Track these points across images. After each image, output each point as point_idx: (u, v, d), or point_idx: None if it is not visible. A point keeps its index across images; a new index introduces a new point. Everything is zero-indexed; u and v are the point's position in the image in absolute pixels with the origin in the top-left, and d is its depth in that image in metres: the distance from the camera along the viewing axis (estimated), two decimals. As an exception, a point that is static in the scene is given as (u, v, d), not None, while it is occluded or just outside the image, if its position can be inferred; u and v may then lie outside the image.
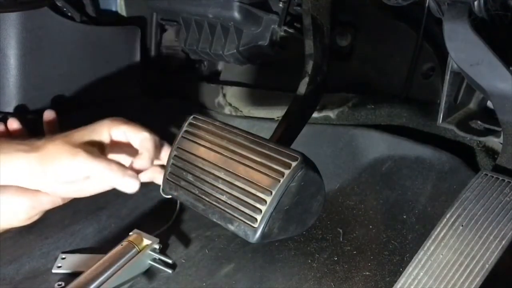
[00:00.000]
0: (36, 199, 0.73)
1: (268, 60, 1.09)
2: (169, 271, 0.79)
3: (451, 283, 0.58)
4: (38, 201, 0.74)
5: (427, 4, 0.71)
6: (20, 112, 1.07)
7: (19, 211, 0.73)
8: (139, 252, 0.79)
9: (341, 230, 0.81)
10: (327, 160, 0.93)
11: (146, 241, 0.81)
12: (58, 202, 0.75)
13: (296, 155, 0.59)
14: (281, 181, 0.58)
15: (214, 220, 0.62)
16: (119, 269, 0.76)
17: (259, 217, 0.58)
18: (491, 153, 0.84)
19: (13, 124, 0.92)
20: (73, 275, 0.79)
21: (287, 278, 0.76)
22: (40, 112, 0.96)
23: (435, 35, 0.90)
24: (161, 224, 0.90)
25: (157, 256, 0.80)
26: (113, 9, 1.27)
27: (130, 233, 0.82)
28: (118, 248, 0.79)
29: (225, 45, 1.03)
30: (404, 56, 0.95)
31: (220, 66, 1.23)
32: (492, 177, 0.66)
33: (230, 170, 0.62)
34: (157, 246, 0.81)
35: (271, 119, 1.02)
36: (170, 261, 0.80)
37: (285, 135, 0.76)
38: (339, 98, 1.00)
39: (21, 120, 0.94)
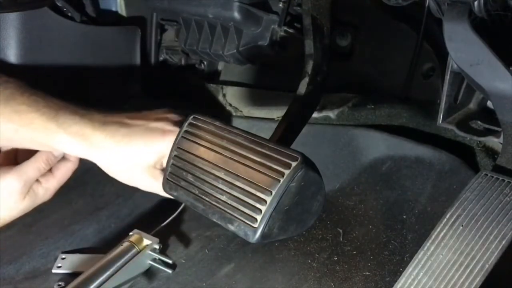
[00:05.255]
0: (21, 172, 0.73)
1: (268, 60, 1.09)
2: (169, 271, 0.79)
3: (451, 283, 0.58)
4: (24, 173, 0.74)
5: (427, 4, 0.71)
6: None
7: (10, 191, 0.73)
8: (139, 252, 0.79)
9: (341, 230, 0.81)
10: (327, 160, 0.93)
11: (146, 241, 0.81)
12: (43, 168, 0.75)
13: (296, 155, 0.59)
14: (281, 181, 0.58)
15: (214, 220, 0.62)
16: (119, 269, 0.77)
17: (259, 217, 0.58)
18: (491, 153, 0.84)
19: None
20: (73, 275, 0.80)
21: (287, 278, 0.76)
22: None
23: (435, 35, 0.90)
24: (161, 224, 0.90)
25: (157, 256, 0.80)
26: (113, 9, 1.27)
27: (130, 233, 0.82)
28: (118, 248, 0.79)
29: (225, 45, 1.03)
30: (404, 56, 0.95)
31: (220, 66, 1.23)
32: (492, 177, 0.66)
33: (230, 170, 0.62)
34: (157, 246, 0.81)
35: (271, 119, 1.02)
36: (170, 261, 0.80)
37: (285, 135, 0.76)
38: (339, 98, 1.00)
39: None
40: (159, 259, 0.80)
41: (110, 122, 0.72)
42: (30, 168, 0.75)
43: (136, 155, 0.70)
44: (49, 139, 0.70)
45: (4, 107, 0.69)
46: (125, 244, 0.80)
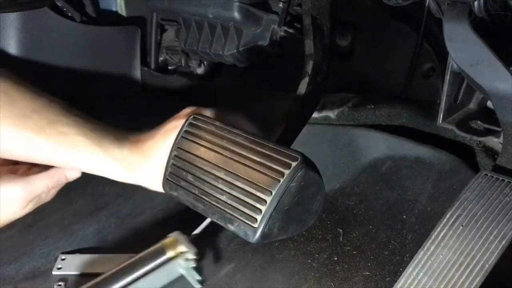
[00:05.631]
0: (29, 184, 0.73)
1: (268, 60, 1.09)
2: (198, 286, 0.75)
3: (451, 283, 0.58)
4: (31, 186, 0.73)
5: (427, 4, 0.71)
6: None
7: (13, 200, 0.73)
8: (171, 259, 0.74)
9: (341, 230, 0.81)
10: (327, 160, 0.93)
11: (181, 248, 0.75)
12: (52, 187, 0.75)
13: (296, 155, 0.59)
14: (281, 181, 0.58)
15: (214, 220, 0.62)
16: (147, 274, 0.73)
17: (259, 217, 0.58)
18: (491, 153, 0.84)
19: None
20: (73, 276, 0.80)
21: (287, 278, 0.76)
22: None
23: (435, 35, 0.90)
24: (161, 224, 0.90)
25: (190, 266, 0.75)
26: (113, 9, 1.27)
27: (170, 234, 0.77)
28: (150, 249, 0.75)
29: (225, 45, 1.03)
30: (404, 56, 0.95)
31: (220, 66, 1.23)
32: (492, 177, 0.66)
33: (230, 170, 0.62)
34: (192, 256, 0.75)
35: (271, 119, 1.02)
36: (200, 278, 0.76)
37: (285, 135, 0.76)
38: (339, 98, 1.00)
39: None
40: (191, 270, 0.75)
41: (141, 140, 0.71)
42: (40, 184, 0.75)
43: (163, 162, 0.69)
44: (93, 164, 0.69)
45: (50, 129, 0.68)
46: (158, 246, 0.75)
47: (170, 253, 0.74)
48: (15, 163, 0.83)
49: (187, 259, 0.74)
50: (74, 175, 0.76)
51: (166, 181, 0.69)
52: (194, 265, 0.74)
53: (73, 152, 0.69)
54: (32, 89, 0.72)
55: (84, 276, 0.81)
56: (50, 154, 0.69)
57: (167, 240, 0.76)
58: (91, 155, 0.69)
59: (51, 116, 0.69)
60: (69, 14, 1.15)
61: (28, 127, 0.68)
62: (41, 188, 0.75)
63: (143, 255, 0.75)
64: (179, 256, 0.74)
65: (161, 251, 0.74)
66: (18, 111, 0.70)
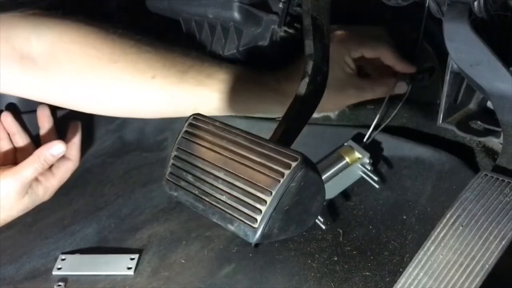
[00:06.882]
0: (18, 173, 0.73)
1: (268, 60, 1.08)
2: (377, 186, 0.84)
3: (451, 283, 0.58)
4: (20, 174, 0.73)
5: (427, 4, 0.71)
6: (12, 110, 1.07)
7: (7, 193, 0.73)
8: (349, 164, 0.84)
9: (341, 230, 0.81)
10: (327, 160, 0.93)
11: (357, 154, 0.85)
12: (41, 167, 0.75)
13: (296, 156, 0.59)
14: (281, 182, 0.58)
15: (214, 220, 0.62)
16: (331, 178, 0.83)
17: (259, 218, 0.58)
18: (491, 153, 0.84)
19: (7, 118, 0.92)
20: (73, 276, 0.80)
21: (287, 279, 0.76)
22: (34, 110, 0.97)
23: (435, 35, 0.90)
24: (161, 224, 0.90)
25: (366, 169, 0.84)
26: (113, 9, 1.27)
27: (345, 143, 0.87)
28: (329, 158, 0.85)
29: (225, 45, 1.03)
30: (404, 56, 0.95)
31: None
32: (492, 177, 0.66)
33: (230, 171, 0.62)
34: (367, 161, 0.84)
35: (271, 119, 1.02)
36: (376, 178, 0.84)
37: (285, 135, 0.76)
38: (339, 98, 1.00)
39: (15, 117, 0.94)
40: (368, 173, 0.84)
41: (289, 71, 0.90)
42: (27, 168, 0.74)
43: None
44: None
45: (208, 79, 0.79)
46: (335, 155, 0.85)
47: (348, 159, 0.85)
48: (15, 162, 0.83)
49: (363, 164, 0.85)
50: (58, 151, 0.75)
51: (166, 181, 0.69)
52: (370, 168, 0.85)
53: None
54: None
55: (84, 276, 0.81)
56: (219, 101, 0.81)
57: (342, 149, 0.86)
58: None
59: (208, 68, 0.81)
60: (69, 14, 1.15)
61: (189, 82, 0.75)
62: (30, 172, 0.75)
63: (323, 163, 0.84)
64: (357, 161, 0.85)
65: (340, 158, 0.85)
66: (172, 69, 0.74)
